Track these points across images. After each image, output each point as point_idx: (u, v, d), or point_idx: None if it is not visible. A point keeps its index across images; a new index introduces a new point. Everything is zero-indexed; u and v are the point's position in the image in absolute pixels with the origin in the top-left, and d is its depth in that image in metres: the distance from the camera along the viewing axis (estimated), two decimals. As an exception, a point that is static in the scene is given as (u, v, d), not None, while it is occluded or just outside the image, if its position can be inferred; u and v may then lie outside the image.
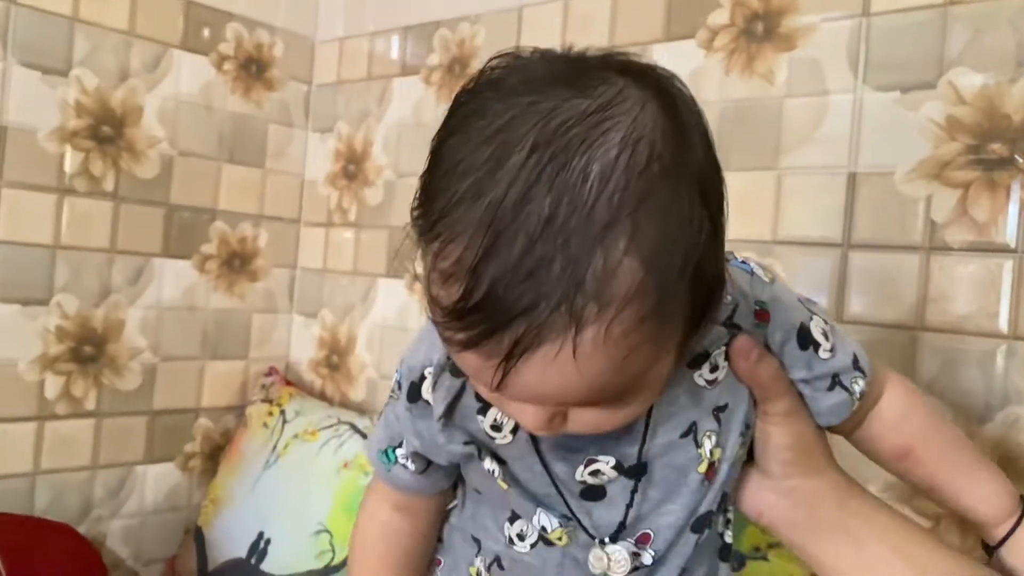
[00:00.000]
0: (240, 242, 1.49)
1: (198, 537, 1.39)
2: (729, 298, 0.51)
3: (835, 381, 0.56)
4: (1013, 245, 0.83)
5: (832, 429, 0.59)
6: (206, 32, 1.42)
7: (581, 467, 0.53)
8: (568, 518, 0.54)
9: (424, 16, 1.40)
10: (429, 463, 0.59)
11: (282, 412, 1.42)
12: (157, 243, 1.38)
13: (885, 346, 0.89)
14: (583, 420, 0.46)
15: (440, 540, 0.64)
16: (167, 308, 1.40)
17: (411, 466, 0.59)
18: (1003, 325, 0.83)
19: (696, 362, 0.53)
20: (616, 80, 0.42)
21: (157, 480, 1.41)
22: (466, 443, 0.55)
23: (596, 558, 0.54)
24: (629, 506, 0.54)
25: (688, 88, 0.44)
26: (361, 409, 1.43)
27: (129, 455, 1.37)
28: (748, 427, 0.56)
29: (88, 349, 1.31)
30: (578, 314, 0.38)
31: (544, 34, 1.23)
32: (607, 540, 0.55)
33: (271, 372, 1.52)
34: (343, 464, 1.29)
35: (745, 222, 1.00)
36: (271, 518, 1.31)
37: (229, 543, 1.34)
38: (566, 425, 0.46)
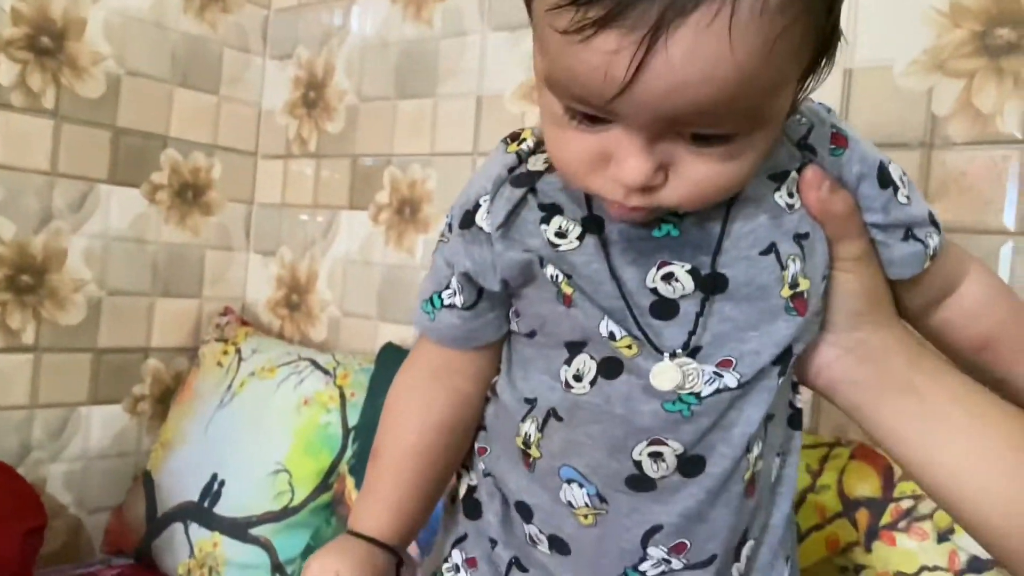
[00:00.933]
0: (193, 172, 1.41)
1: (147, 482, 1.30)
2: (803, 119, 0.50)
3: (909, 233, 0.51)
4: (1019, 135, 0.78)
5: (901, 310, 0.54)
6: (157, -53, 1.33)
7: (653, 270, 0.48)
8: (636, 337, 0.48)
9: (390, -68, 1.32)
10: (480, 295, 0.54)
11: (238, 350, 1.34)
12: (103, 168, 1.29)
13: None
14: (690, 173, 0.42)
15: (484, 428, 0.58)
16: (114, 239, 1.31)
17: (459, 301, 0.54)
18: (1009, 222, 0.78)
19: (779, 178, 0.49)
20: None
21: (103, 423, 1.32)
22: (526, 251, 0.51)
23: (666, 371, 0.48)
24: (699, 316, 0.48)
25: None
26: (323, 349, 1.36)
27: (71, 395, 1.28)
28: (826, 276, 0.51)
29: (26, 278, 1.22)
30: None
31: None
32: (679, 352, 0.48)
33: (226, 312, 1.44)
34: (303, 401, 1.22)
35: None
36: (226, 459, 1.23)
37: (180, 487, 1.26)
38: (663, 190, 0.43)
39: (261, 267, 1.49)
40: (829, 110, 0.52)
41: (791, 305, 0.49)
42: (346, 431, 1.19)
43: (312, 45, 1.42)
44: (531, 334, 0.53)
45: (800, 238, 0.49)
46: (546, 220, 0.50)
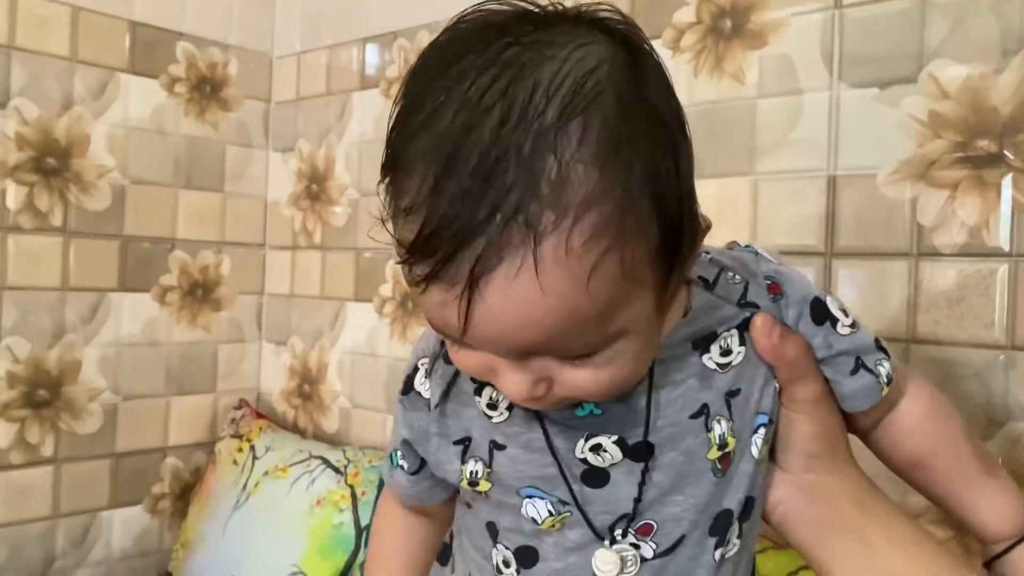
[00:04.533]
0: (202, 271, 1.43)
1: (170, 583, 1.32)
2: (738, 277, 0.51)
3: (859, 363, 0.52)
4: (1007, 248, 0.77)
5: (851, 427, 0.55)
6: (154, 54, 1.36)
7: (581, 441, 0.50)
8: (565, 503, 0.50)
9: (382, 27, 1.34)
10: (422, 463, 0.57)
11: (252, 448, 1.36)
12: (112, 277, 1.32)
13: (875, 360, 0.83)
14: (570, 382, 0.44)
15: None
16: (126, 344, 1.34)
17: (405, 464, 0.57)
18: (999, 335, 0.77)
19: (704, 343, 0.50)
20: (576, 22, 0.43)
21: (124, 525, 1.35)
22: (455, 442, 0.53)
23: (600, 560, 0.50)
24: (638, 499, 0.50)
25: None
26: (335, 441, 1.37)
27: (92, 501, 1.31)
28: (771, 421, 0.52)
29: (42, 393, 1.25)
30: (535, 222, 0.38)
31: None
32: (605, 537, 0.50)
33: (241, 405, 1.46)
34: (316, 502, 1.23)
35: (722, 231, 0.93)
36: (243, 561, 1.25)
37: (201, 589, 1.27)
38: (553, 392, 0.44)
39: (274, 357, 1.51)
40: (756, 253, 0.54)
41: (717, 466, 0.50)
42: (359, 530, 1.20)
43: (312, 139, 1.44)
44: (468, 504, 0.56)
45: (731, 396, 0.50)
46: (478, 391, 0.52)
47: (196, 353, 1.43)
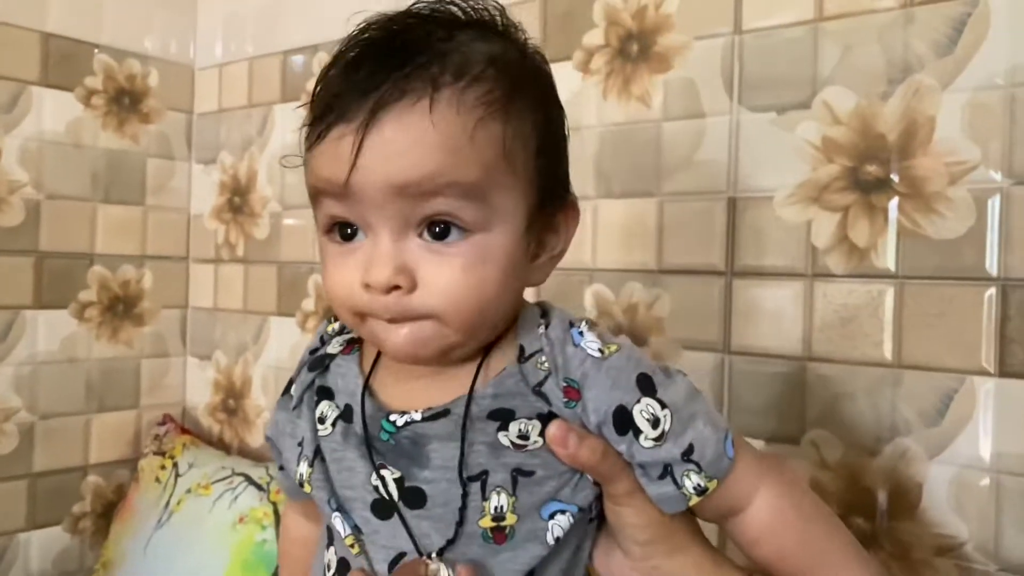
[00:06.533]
0: (123, 285, 1.41)
1: (90, 604, 1.30)
2: (546, 365, 0.51)
3: (666, 470, 0.51)
4: (893, 270, 0.80)
5: (700, 516, 0.55)
6: (69, 66, 1.33)
7: (373, 472, 0.52)
8: (360, 530, 0.53)
9: (304, 39, 1.33)
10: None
11: (175, 465, 1.34)
12: (27, 294, 1.29)
13: (776, 378, 0.86)
14: (431, 279, 0.48)
15: None
16: (43, 362, 1.31)
17: (276, 460, 0.63)
18: (888, 354, 0.80)
19: (503, 418, 0.51)
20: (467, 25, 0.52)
21: (43, 546, 1.32)
22: (298, 444, 0.58)
23: None
24: (410, 536, 0.51)
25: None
26: (259, 456, 1.36)
27: (8, 523, 1.28)
28: (581, 510, 0.52)
29: (-48, 415, 1.22)
30: (436, 76, 0.47)
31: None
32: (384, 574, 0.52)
33: (165, 420, 1.44)
34: (239, 519, 1.22)
35: (630, 250, 0.96)
36: (165, 580, 1.23)
37: (122, 609, 1.26)
38: (410, 299, 0.48)
39: (199, 371, 1.49)
40: (580, 345, 0.52)
41: (489, 535, 0.51)
42: (282, 548, 1.20)
43: (235, 151, 1.43)
44: None
45: (520, 474, 0.51)
46: (317, 404, 0.57)
47: (118, 368, 1.41)
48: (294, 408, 0.59)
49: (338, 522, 0.53)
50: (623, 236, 0.97)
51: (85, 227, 1.36)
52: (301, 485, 0.56)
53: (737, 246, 0.89)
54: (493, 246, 0.49)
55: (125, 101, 1.40)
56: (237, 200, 1.42)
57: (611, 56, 0.98)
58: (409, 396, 0.53)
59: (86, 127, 1.35)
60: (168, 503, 1.30)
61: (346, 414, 0.55)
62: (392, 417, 0.52)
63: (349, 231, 0.50)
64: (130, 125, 1.41)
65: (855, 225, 0.82)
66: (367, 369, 0.56)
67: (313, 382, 0.58)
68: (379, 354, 0.56)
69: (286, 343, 1.34)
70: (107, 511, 1.39)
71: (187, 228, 1.50)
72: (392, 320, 0.49)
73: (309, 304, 1.31)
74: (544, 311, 0.55)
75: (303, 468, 0.56)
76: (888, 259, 0.80)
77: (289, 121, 1.34)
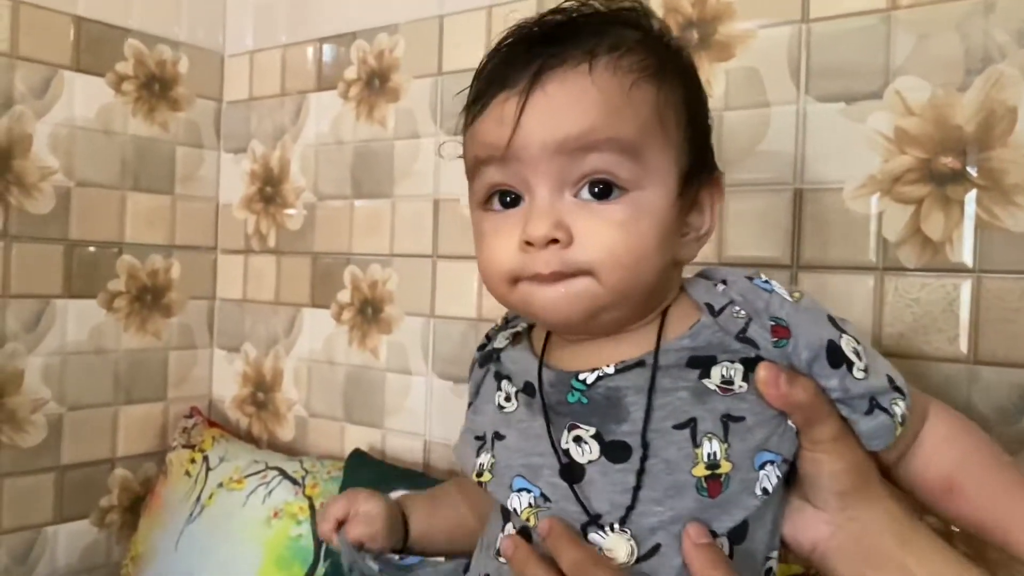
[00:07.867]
0: (151, 275, 1.38)
1: (119, 599, 1.28)
2: (742, 312, 0.52)
3: (873, 404, 0.51)
4: (970, 264, 0.78)
5: (879, 466, 0.55)
6: (100, 50, 1.31)
7: (565, 432, 0.52)
8: (547, 499, 0.52)
9: (340, 27, 1.31)
10: None
11: (205, 458, 1.32)
12: (57, 283, 1.27)
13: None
14: (587, 233, 0.49)
15: None
16: (72, 353, 1.29)
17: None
18: (964, 349, 0.78)
19: (704, 365, 0.52)
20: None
21: (70, 540, 1.30)
22: (476, 438, 0.59)
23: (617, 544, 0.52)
24: (630, 503, 0.50)
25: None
26: (291, 450, 1.34)
27: (36, 517, 1.26)
28: (786, 461, 0.51)
29: (-19, 406, 1.19)
30: (593, 48, 0.50)
31: (467, 43, 1.15)
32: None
33: (192, 413, 1.42)
34: (273, 514, 1.20)
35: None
36: (197, 575, 1.21)
37: (152, 605, 1.23)
38: (573, 250, 0.49)
39: (226, 363, 1.47)
40: (771, 291, 0.53)
41: (703, 485, 0.49)
42: (317, 543, 1.18)
43: (266, 140, 1.41)
44: None
45: (730, 419, 0.50)
46: (499, 388, 0.59)
47: (145, 360, 1.38)
48: (469, 405, 0.62)
49: (516, 500, 0.53)
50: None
51: (114, 215, 1.33)
52: (480, 476, 0.57)
53: (803, 239, 0.87)
54: (648, 203, 0.50)
55: (155, 87, 1.38)
56: (269, 190, 1.40)
57: (670, 44, 0.96)
58: (596, 355, 0.54)
59: (116, 113, 1.33)
60: (199, 497, 1.27)
61: (528, 389, 0.56)
62: (582, 376, 0.53)
63: (509, 199, 0.52)
64: (160, 112, 1.38)
65: (929, 218, 0.80)
66: (539, 350, 0.58)
67: (485, 376, 0.62)
68: (549, 334, 0.58)
69: (320, 335, 1.32)
70: (134, 505, 1.36)
71: (215, 218, 1.47)
72: (547, 278, 0.50)
73: (345, 296, 1.28)
74: (707, 276, 0.57)
75: (484, 459, 0.57)
76: (964, 253, 0.78)
77: (325, 110, 1.31)
